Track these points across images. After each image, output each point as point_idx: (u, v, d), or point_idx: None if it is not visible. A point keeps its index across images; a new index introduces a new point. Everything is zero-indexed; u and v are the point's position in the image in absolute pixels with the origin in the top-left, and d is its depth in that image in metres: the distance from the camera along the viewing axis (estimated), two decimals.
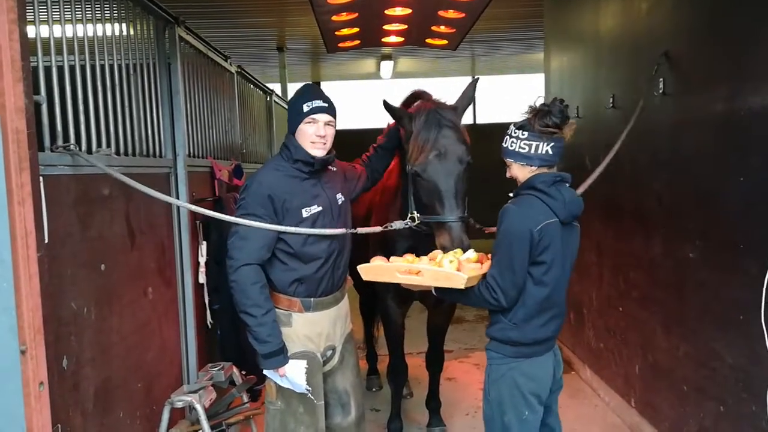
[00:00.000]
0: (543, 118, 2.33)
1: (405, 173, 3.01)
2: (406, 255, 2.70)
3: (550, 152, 2.35)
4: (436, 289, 2.48)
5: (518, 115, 2.45)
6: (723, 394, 2.97)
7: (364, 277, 2.63)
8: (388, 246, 3.24)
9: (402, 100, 3.31)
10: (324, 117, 2.64)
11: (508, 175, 2.50)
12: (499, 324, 2.42)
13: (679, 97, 3.39)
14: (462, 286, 2.31)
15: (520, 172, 2.43)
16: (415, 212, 2.88)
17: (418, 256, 2.80)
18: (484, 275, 2.39)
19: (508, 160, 2.44)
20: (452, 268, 2.37)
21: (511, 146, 2.40)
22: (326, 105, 2.65)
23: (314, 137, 2.63)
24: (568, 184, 2.42)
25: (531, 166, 2.38)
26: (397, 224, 2.88)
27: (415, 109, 3.02)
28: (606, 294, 4.52)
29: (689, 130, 3.30)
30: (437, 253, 2.65)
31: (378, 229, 2.93)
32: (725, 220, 2.95)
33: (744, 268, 2.77)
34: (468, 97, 3.08)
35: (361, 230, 2.87)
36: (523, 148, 2.36)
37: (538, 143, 2.34)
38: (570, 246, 2.45)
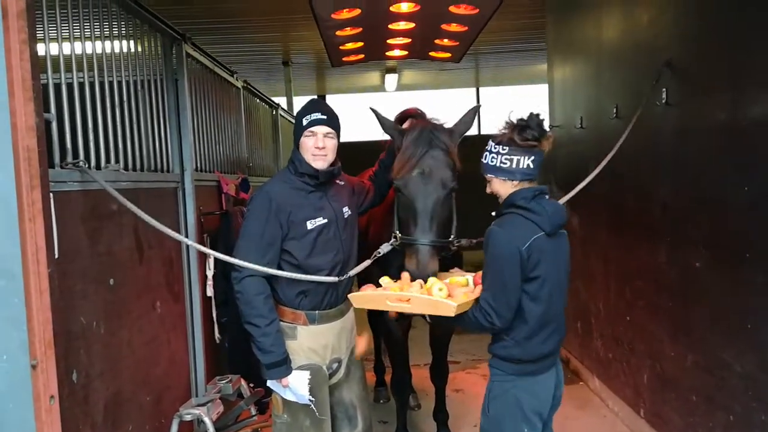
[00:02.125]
0: (522, 132, 2.31)
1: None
2: (383, 278, 2.65)
3: (531, 166, 2.34)
4: (430, 315, 2.45)
5: (495, 130, 2.41)
6: (732, 403, 2.95)
7: (355, 305, 2.62)
8: (383, 258, 3.23)
9: (395, 116, 3.25)
10: (323, 129, 2.66)
11: (488, 190, 2.47)
12: (502, 342, 2.40)
13: (682, 106, 3.41)
14: (452, 314, 2.27)
15: (501, 187, 2.40)
16: (398, 231, 2.83)
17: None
18: (477, 299, 2.36)
19: (489, 176, 2.42)
20: (442, 295, 2.32)
21: (492, 161, 2.37)
22: (325, 117, 2.68)
23: (314, 149, 2.65)
24: (547, 196, 2.39)
25: (513, 180, 2.36)
26: (384, 248, 2.85)
27: (409, 126, 2.97)
28: (613, 303, 4.51)
29: (693, 138, 3.30)
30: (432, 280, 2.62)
31: (367, 262, 2.88)
32: (730, 228, 2.95)
33: (750, 276, 2.76)
34: (467, 123, 2.98)
35: (352, 272, 2.81)
36: (505, 163, 2.34)
37: (519, 157, 2.32)
38: (561, 255, 2.42)
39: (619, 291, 4.39)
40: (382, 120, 3.01)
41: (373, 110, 3.03)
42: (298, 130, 2.70)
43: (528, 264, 2.27)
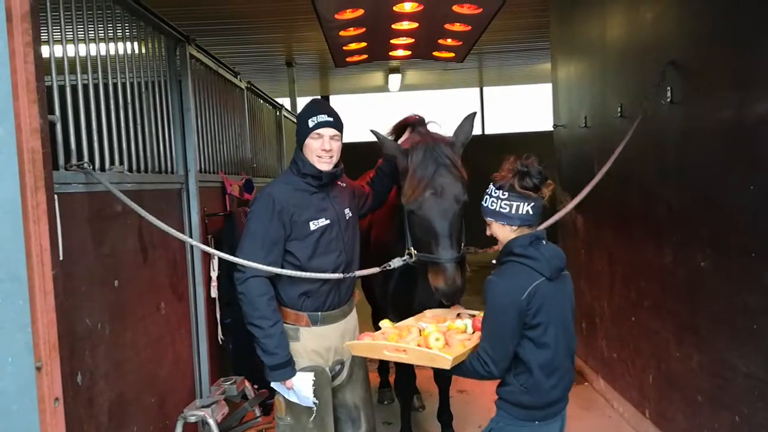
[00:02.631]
0: (522, 180, 2.31)
1: (401, 204, 2.96)
2: (383, 321, 2.67)
3: (531, 212, 2.33)
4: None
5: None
6: (738, 404, 2.94)
7: (353, 353, 2.66)
8: (387, 257, 3.27)
9: (394, 124, 3.25)
10: (329, 131, 2.66)
11: (488, 233, 2.47)
12: (510, 387, 2.38)
13: (687, 105, 3.39)
14: (448, 368, 2.28)
15: (500, 231, 2.40)
16: (413, 249, 2.85)
17: (414, 279, 2.82)
18: (475, 347, 2.36)
19: (489, 219, 2.42)
20: (439, 345, 2.34)
21: (492, 205, 2.37)
22: (331, 119, 2.67)
23: (320, 151, 2.65)
24: (544, 241, 2.38)
25: (512, 225, 2.35)
26: (395, 262, 2.87)
27: (410, 143, 2.96)
28: (618, 303, 4.49)
29: (698, 137, 3.29)
30: (433, 318, 2.65)
31: (376, 270, 2.90)
32: (736, 227, 2.93)
33: (756, 275, 2.75)
34: (466, 132, 3.00)
35: (359, 273, 2.84)
36: (504, 208, 2.34)
37: (518, 203, 2.32)
38: (564, 298, 2.40)
39: (624, 291, 4.37)
40: (384, 141, 3.01)
41: (374, 132, 3.02)
42: (303, 132, 2.68)
43: (528, 312, 2.26)
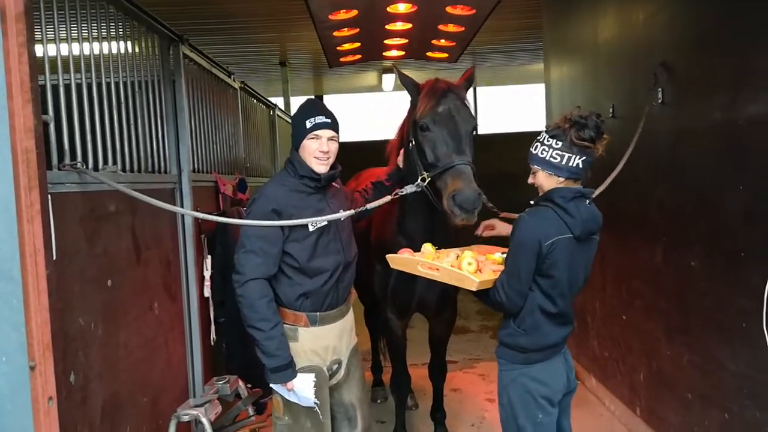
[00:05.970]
0: (580, 131, 2.27)
1: (407, 150, 3.12)
2: (426, 244, 2.73)
3: (581, 166, 2.31)
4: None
5: (541, 124, 2.45)
6: (727, 401, 2.97)
7: (392, 266, 2.77)
8: (387, 252, 3.33)
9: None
10: (327, 132, 2.65)
11: (530, 181, 2.45)
12: (509, 329, 2.44)
13: (678, 107, 3.42)
14: (474, 289, 2.35)
15: (546, 181, 2.37)
16: (424, 172, 2.90)
17: (413, 275, 2.84)
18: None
19: (535, 167, 2.38)
20: (471, 269, 2.40)
21: (542, 154, 2.34)
22: (328, 120, 2.66)
23: (318, 153, 2.63)
24: (588, 201, 2.35)
25: (559, 177, 2.33)
26: (408, 188, 2.91)
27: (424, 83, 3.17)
28: (609, 303, 4.53)
29: (689, 138, 3.32)
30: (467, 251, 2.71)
31: (387, 198, 2.92)
32: (726, 228, 2.96)
33: (745, 276, 2.78)
34: (468, 80, 3.20)
35: (370, 205, 2.88)
36: (555, 158, 2.30)
37: (570, 155, 2.29)
38: (584, 260, 2.43)
39: (615, 291, 4.41)
40: (401, 74, 3.24)
41: (396, 68, 3.31)
42: (300, 133, 2.66)
43: (546, 260, 2.29)
